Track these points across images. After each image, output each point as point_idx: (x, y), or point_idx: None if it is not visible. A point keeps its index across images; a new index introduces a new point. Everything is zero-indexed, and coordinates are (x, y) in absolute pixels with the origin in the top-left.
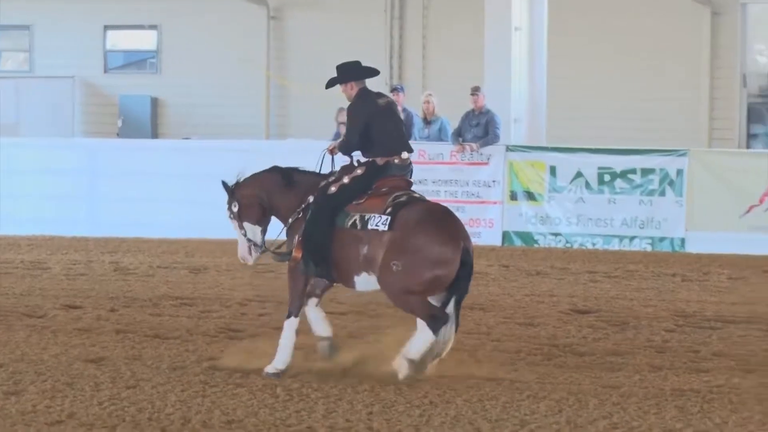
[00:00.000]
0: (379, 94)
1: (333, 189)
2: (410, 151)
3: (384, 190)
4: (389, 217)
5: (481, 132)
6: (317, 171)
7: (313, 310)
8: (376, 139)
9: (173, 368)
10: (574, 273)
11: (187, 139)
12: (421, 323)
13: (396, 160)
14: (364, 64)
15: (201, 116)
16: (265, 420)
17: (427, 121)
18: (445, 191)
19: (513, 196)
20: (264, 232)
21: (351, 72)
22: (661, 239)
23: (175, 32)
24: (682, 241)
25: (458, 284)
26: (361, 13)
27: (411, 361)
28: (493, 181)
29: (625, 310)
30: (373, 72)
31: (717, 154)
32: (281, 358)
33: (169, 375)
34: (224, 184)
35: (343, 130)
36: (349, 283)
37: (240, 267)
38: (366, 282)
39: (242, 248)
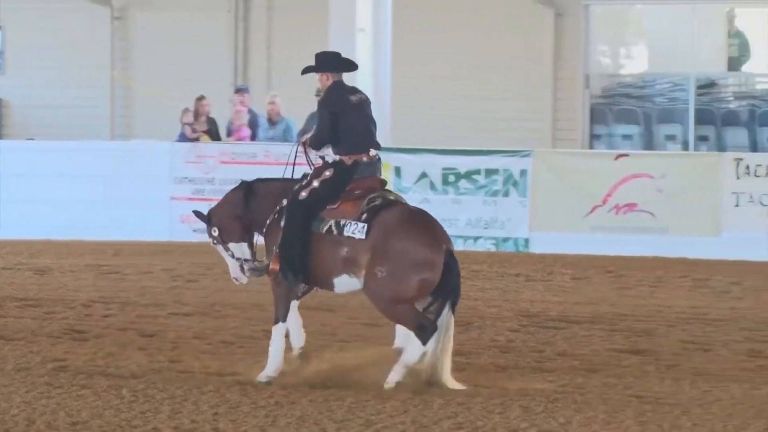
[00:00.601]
0: (354, 89)
1: (304, 194)
2: (378, 148)
3: (357, 192)
4: (365, 225)
5: None
6: (291, 163)
7: (292, 316)
8: (343, 134)
9: (18, 369)
10: None
11: (31, 140)
12: (402, 335)
13: (364, 158)
14: (210, 63)
15: (46, 117)
16: (110, 421)
17: (272, 122)
18: None
19: None
20: (251, 245)
21: (328, 63)
22: (505, 239)
23: (19, 32)
24: (526, 241)
25: (449, 288)
26: (205, 13)
27: (404, 369)
28: None
29: (469, 311)
30: (352, 65)
31: (560, 155)
32: (272, 365)
33: (13, 376)
34: (197, 213)
35: (188, 131)
36: (328, 286)
37: (84, 268)
38: (346, 284)
39: (233, 269)
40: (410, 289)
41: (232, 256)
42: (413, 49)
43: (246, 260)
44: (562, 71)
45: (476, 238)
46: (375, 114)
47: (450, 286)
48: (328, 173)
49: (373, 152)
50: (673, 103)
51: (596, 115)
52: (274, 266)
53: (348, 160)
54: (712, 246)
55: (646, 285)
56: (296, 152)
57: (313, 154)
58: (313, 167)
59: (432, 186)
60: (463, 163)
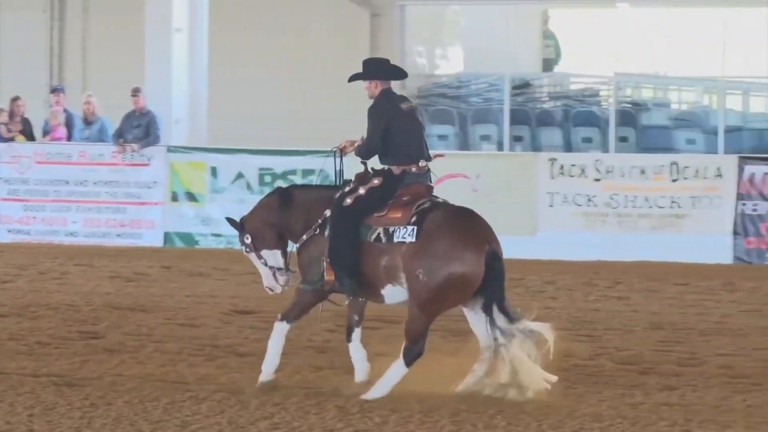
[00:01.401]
0: (402, 98)
1: (348, 201)
2: (429, 159)
3: (405, 199)
4: (415, 227)
5: (142, 133)
6: (335, 170)
7: (356, 348)
8: (394, 144)
9: None
10: (235, 274)
11: None
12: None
13: (413, 169)
14: (25, 63)
15: None
16: None
17: (87, 122)
18: (106, 192)
19: (174, 197)
20: (285, 254)
21: (378, 70)
22: None
23: None
24: None
25: (491, 289)
26: (20, 13)
27: (387, 388)
28: (154, 182)
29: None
30: (401, 74)
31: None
32: (269, 364)
33: None
34: (230, 220)
35: (3, 130)
36: (377, 298)
37: None
38: (394, 294)
39: (266, 278)
40: (446, 291)
41: (265, 264)
42: (230, 49)
43: (279, 268)
44: None
45: None
46: (191, 113)
47: (490, 286)
48: (376, 181)
49: (423, 163)
50: (488, 103)
51: None
52: (330, 277)
53: (397, 169)
54: (528, 245)
55: None
56: (334, 159)
57: (338, 161)
58: (340, 176)
59: (248, 186)
60: (279, 164)
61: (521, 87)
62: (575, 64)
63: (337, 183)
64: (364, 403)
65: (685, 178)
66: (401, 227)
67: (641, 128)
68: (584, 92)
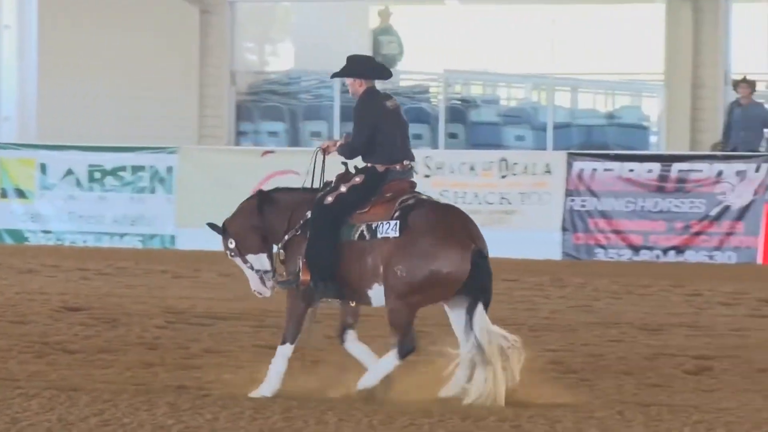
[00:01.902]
0: (387, 96)
1: (329, 199)
2: (412, 159)
3: (388, 195)
4: (398, 222)
5: None
6: (312, 170)
7: (354, 346)
8: (379, 144)
9: None
10: (65, 270)
11: None
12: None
13: (397, 167)
14: None
15: None
16: None
17: None
18: None
19: (3, 194)
20: (271, 257)
21: (363, 67)
22: (152, 236)
23: None
24: (173, 238)
25: (479, 288)
26: None
27: (375, 379)
28: None
29: (116, 307)
30: (386, 73)
31: (206, 152)
32: (269, 385)
33: None
34: (211, 225)
35: None
36: (364, 299)
37: None
38: (380, 295)
39: (253, 282)
40: (426, 288)
41: (251, 268)
42: (60, 45)
43: (266, 272)
44: (208, 68)
45: (123, 235)
46: (20, 110)
47: (478, 285)
48: (358, 179)
49: (406, 162)
50: (318, 100)
51: (242, 112)
52: (305, 277)
53: (381, 167)
54: None
55: None
56: (315, 159)
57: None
58: (323, 175)
59: (78, 183)
60: (109, 160)
61: None
62: (406, 61)
63: (320, 184)
64: (359, 392)
65: (514, 175)
66: (384, 222)
67: (470, 125)
68: (414, 89)
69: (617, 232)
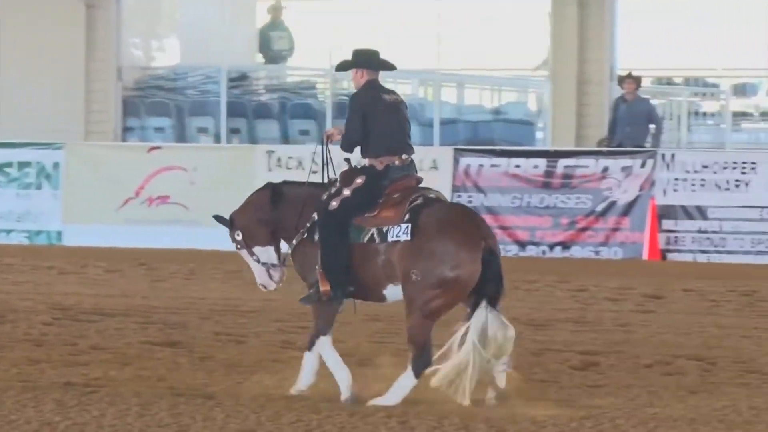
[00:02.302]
0: (389, 90)
1: (334, 204)
2: (411, 152)
3: (396, 196)
4: (409, 225)
5: None
6: (322, 160)
7: (314, 358)
8: (374, 136)
9: None
10: None
11: None
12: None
13: (396, 162)
14: None
15: None
16: None
17: None
18: None
19: None
20: (278, 249)
21: (366, 59)
22: (38, 232)
23: None
24: (59, 234)
25: (486, 285)
26: None
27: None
28: None
29: (2, 304)
30: (390, 66)
31: (93, 148)
32: (343, 380)
33: None
34: (218, 217)
35: None
36: (380, 298)
37: None
38: (395, 293)
39: (260, 275)
40: (442, 292)
41: (258, 261)
42: None
43: (274, 265)
44: (94, 63)
45: (9, 231)
46: None
47: (486, 281)
48: (359, 180)
49: (404, 156)
50: (204, 95)
51: (129, 108)
52: (325, 287)
53: (379, 164)
54: None
55: (180, 277)
56: (325, 148)
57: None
58: (331, 162)
59: None
60: None
61: (238, 79)
62: (295, 57)
63: (326, 173)
64: (372, 407)
65: None
66: (395, 226)
67: None
68: (301, 85)
69: (504, 227)
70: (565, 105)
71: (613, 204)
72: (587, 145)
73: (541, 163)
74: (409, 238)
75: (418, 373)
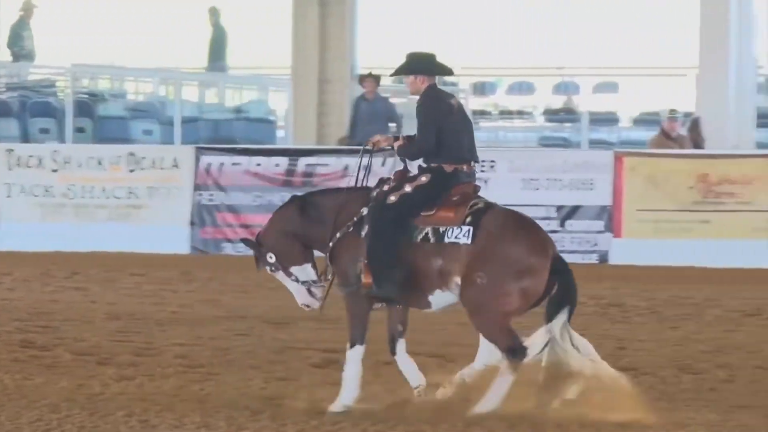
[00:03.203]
0: (450, 94)
1: (393, 198)
2: (477, 160)
3: (455, 199)
4: (471, 228)
5: None
6: (363, 168)
7: (403, 359)
8: (446, 143)
9: None
10: None
11: None
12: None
13: (464, 168)
14: None
15: None
16: None
17: None
18: None
19: None
20: (315, 265)
21: (425, 64)
22: None
23: None
24: None
25: (566, 294)
26: None
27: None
28: None
29: None
30: (448, 70)
31: None
32: (348, 393)
33: None
34: (246, 241)
35: None
36: (422, 303)
37: None
38: (441, 299)
39: (301, 295)
40: (510, 298)
41: (297, 280)
42: None
43: (314, 282)
44: None
45: None
46: None
47: (568, 293)
48: (424, 179)
49: (473, 164)
50: (45, 97)
51: None
52: (368, 279)
53: (449, 167)
54: None
55: None
56: (368, 156)
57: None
58: (366, 174)
59: None
60: None
61: None
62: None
63: (365, 180)
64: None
65: (143, 169)
66: (454, 227)
67: (98, 119)
68: (41, 83)
69: (245, 226)
70: (306, 104)
71: None
72: (328, 144)
73: (283, 161)
74: (469, 242)
75: (515, 366)
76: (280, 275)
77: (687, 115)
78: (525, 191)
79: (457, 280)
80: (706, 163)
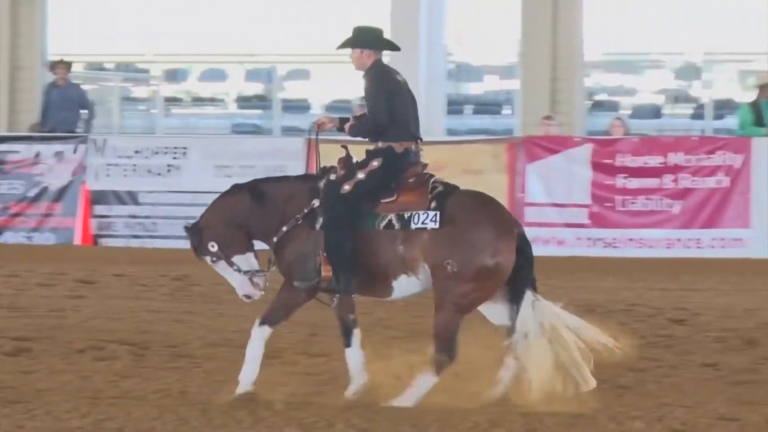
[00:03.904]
0: (395, 70)
1: (347, 187)
2: (422, 139)
3: (412, 181)
4: (437, 212)
5: None
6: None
7: (356, 353)
8: (397, 119)
9: None
10: None
11: None
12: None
13: (413, 147)
14: None
15: None
16: None
17: None
18: None
19: None
20: (255, 255)
21: (372, 38)
22: None
23: None
24: None
25: (524, 274)
26: None
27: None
28: None
29: None
30: (394, 46)
31: None
32: (249, 373)
33: None
34: (188, 228)
35: None
36: (386, 291)
37: None
38: (405, 286)
39: (242, 286)
40: (479, 284)
41: (239, 270)
42: None
43: (257, 271)
44: None
45: None
46: None
47: (521, 268)
48: (376, 163)
49: (420, 141)
50: None
51: None
52: (327, 273)
53: (399, 147)
54: None
55: None
56: (314, 138)
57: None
58: (318, 157)
59: None
60: None
61: None
62: None
63: (318, 162)
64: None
65: None
66: (420, 212)
67: None
68: None
69: None
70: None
71: (45, 189)
72: (19, 131)
73: None
74: (437, 226)
75: (440, 371)
76: (221, 265)
77: None
78: (218, 178)
79: (425, 266)
80: None
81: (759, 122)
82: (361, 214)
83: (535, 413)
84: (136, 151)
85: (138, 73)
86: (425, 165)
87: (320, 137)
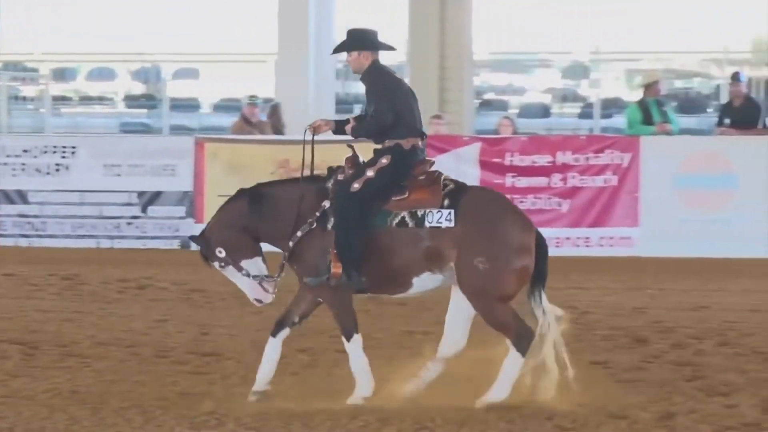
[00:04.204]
0: (392, 69)
1: (356, 186)
2: (426, 135)
3: (422, 179)
4: (452, 211)
5: None
6: (310, 155)
7: (276, 349)
8: (402, 117)
9: None
10: None
11: None
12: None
13: (419, 143)
14: None
15: None
16: None
17: None
18: None
19: None
20: (264, 259)
21: (368, 41)
22: None
23: None
24: None
25: (540, 272)
26: None
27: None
28: None
29: None
30: (390, 47)
31: None
32: (365, 384)
33: None
34: (193, 237)
35: None
36: (405, 287)
37: None
38: (426, 281)
39: (252, 290)
40: (515, 280)
41: (248, 275)
42: None
43: (267, 276)
44: None
45: None
46: None
47: (543, 268)
48: (385, 160)
49: (425, 138)
50: None
51: None
52: (336, 270)
53: (406, 144)
54: None
55: None
56: (309, 141)
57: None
58: (311, 159)
59: None
60: None
61: None
62: None
63: (312, 165)
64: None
65: None
66: (434, 210)
67: None
68: None
69: None
70: None
71: None
72: None
73: None
74: (452, 225)
75: (524, 351)
76: (229, 270)
77: (267, 101)
78: (107, 177)
79: (441, 265)
80: (286, 149)
81: (647, 121)
82: (372, 212)
83: (426, 412)
84: (25, 150)
85: (26, 72)
86: (432, 162)
87: (316, 139)
